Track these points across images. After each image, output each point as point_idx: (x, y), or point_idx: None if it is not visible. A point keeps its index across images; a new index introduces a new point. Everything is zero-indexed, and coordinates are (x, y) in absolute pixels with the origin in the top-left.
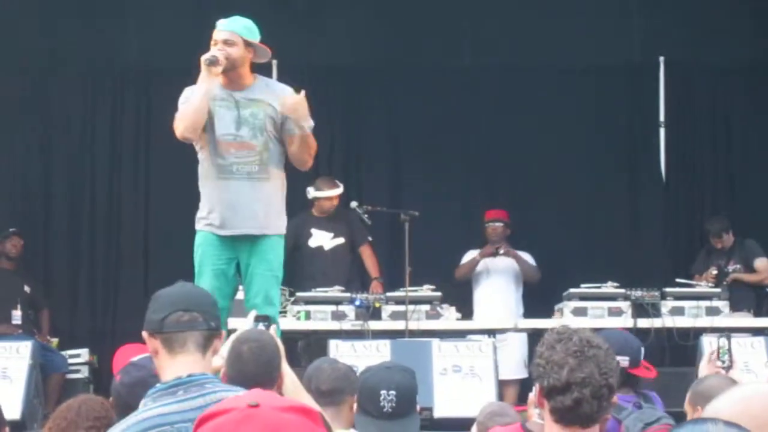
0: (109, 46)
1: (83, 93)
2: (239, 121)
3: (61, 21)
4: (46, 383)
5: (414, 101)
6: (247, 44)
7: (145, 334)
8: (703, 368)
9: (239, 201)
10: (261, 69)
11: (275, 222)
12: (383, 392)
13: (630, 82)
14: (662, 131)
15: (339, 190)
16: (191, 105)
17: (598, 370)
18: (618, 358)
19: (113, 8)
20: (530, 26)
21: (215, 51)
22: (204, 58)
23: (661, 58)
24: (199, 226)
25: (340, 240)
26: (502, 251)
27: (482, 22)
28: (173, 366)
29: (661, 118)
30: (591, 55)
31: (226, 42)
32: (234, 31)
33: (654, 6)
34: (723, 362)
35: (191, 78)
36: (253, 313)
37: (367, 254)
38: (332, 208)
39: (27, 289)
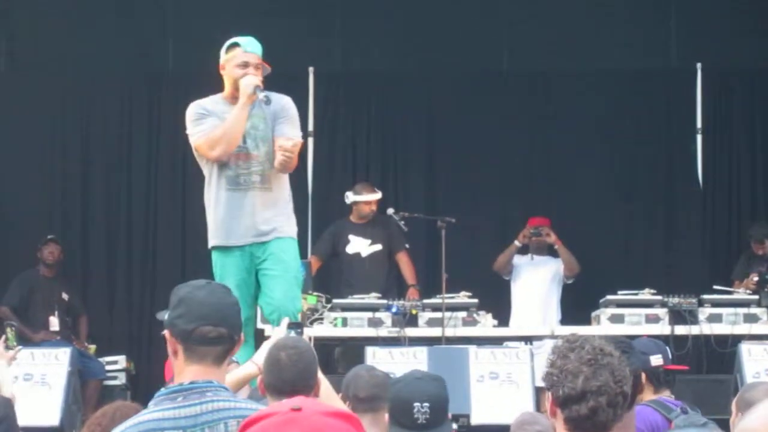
0: (147, 51)
1: (120, 98)
2: (243, 134)
3: (99, 26)
4: (84, 389)
5: (451, 107)
6: (262, 63)
7: (167, 333)
8: None
9: (248, 210)
10: (298, 77)
11: (285, 227)
12: (417, 404)
13: (667, 88)
14: (699, 138)
15: (378, 195)
16: (233, 131)
17: (613, 378)
18: (652, 358)
19: (151, 14)
20: (567, 32)
21: (255, 80)
22: (249, 84)
23: (699, 65)
24: (213, 241)
25: (378, 247)
26: (544, 234)
27: (520, 28)
28: (186, 372)
29: (699, 124)
30: (628, 61)
31: (256, 67)
32: (259, 54)
33: (691, 12)
34: None
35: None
36: (286, 321)
37: (404, 261)
38: (371, 213)
39: (65, 296)
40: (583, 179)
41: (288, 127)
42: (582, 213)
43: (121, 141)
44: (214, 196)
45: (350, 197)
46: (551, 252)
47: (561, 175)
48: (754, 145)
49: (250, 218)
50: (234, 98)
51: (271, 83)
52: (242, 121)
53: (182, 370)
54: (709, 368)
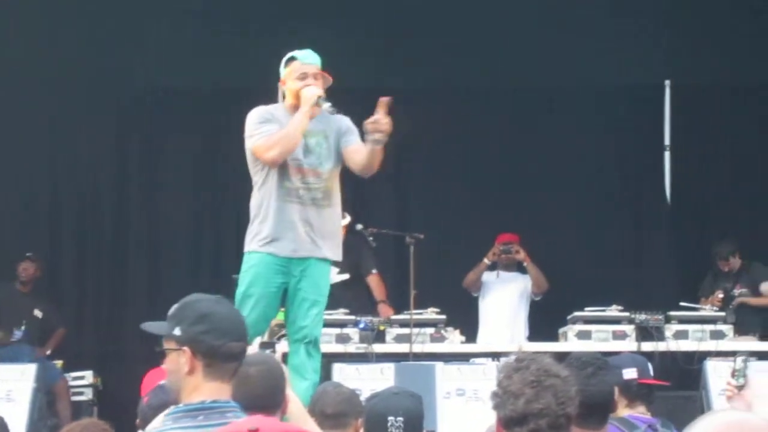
0: (116, 69)
1: (89, 116)
2: (306, 149)
3: (67, 44)
4: (54, 393)
5: (420, 123)
6: (323, 76)
7: (187, 350)
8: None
9: (303, 224)
10: (270, 92)
11: (332, 248)
12: (391, 418)
13: (636, 105)
14: (667, 155)
15: (345, 220)
16: (291, 136)
17: (555, 400)
18: (625, 371)
19: (124, 28)
20: (536, 50)
21: (318, 90)
22: (312, 94)
23: (667, 82)
24: (254, 246)
25: (345, 276)
26: (514, 251)
27: (489, 45)
28: (204, 389)
29: (667, 141)
30: (597, 79)
31: (316, 77)
32: (318, 66)
33: (659, 29)
34: (738, 382)
35: (198, 98)
36: (258, 340)
37: (374, 283)
38: None
39: (38, 313)
40: (552, 196)
41: (355, 137)
42: (551, 229)
43: (90, 157)
44: (267, 203)
45: None
46: (520, 269)
47: (530, 191)
48: (722, 162)
49: (302, 233)
50: (296, 109)
51: (253, 97)
52: (302, 127)
53: (199, 386)
54: (676, 385)
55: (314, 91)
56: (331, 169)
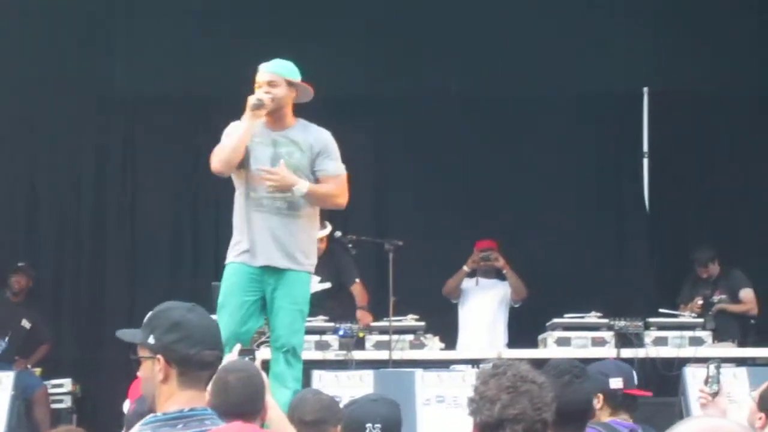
0: (95, 72)
1: (68, 121)
2: (274, 159)
3: (45, 47)
4: (33, 401)
5: (400, 130)
6: (290, 84)
7: (161, 359)
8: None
9: (268, 234)
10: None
11: (302, 259)
12: (369, 425)
13: (614, 112)
14: (646, 161)
15: (327, 230)
16: (230, 143)
17: (531, 406)
18: (611, 380)
19: (101, 36)
20: (515, 57)
21: (261, 94)
22: (250, 100)
23: (645, 89)
24: (230, 257)
25: (327, 285)
26: (493, 258)
27: (470, 53)
28: (180, 397)
29: (645, 148)
30: (575, 86)
31: (270, 83)
32: (276, 72)
33: (637, 36)
34: (711, 389)
35: (177, 106)
36: (238, 347)
37: (357, 291)
38: (319, 251)
39: (26, 323)
40: (532, 203)
41: (329, 163)
42: (530, 236)
43: (69, 164)
44: (238, 213)
45: None
46: (499, 276)
47: (509, 198)
48: (701, 169)
49: (271, 242)
50: (268, 120)
51: (231, 106)
52: (243, 135)
53: (173, 395)
54: (655, 391)
55: (255, 96)
56: (300, 178)
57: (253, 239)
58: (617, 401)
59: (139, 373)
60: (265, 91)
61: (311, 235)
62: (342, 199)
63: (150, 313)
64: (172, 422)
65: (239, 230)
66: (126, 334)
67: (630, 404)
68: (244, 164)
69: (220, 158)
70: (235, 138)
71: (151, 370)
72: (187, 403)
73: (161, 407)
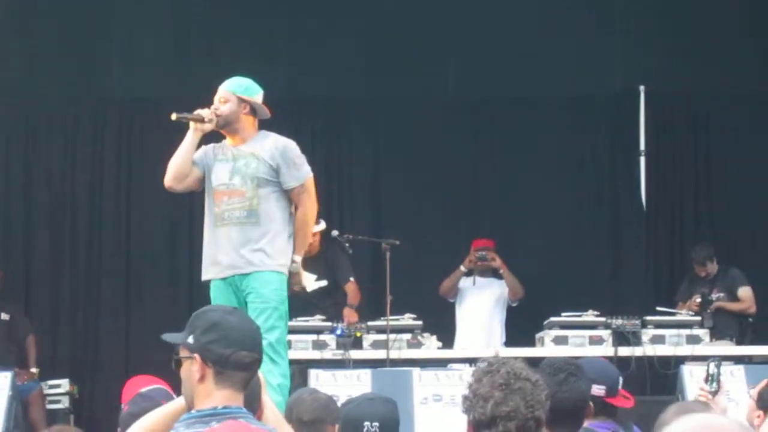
0: (92, 76)
1: (64, 124)
2: (233, 171)
3: (42, 51)
4: (30, 402)
5: (396, 131)
6: (241, 100)
7: (198, 358)
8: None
9: (229, 246)
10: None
11: (266, 260)
12: (366, 424)
13: (611, 111)
14: (643, 160)
15: (321, 226)
16: (174, 157)
17: (524, 403)
18: (594, 386)
19: (96, 39)
20: (510, 59)
21: (203, 110)
22: (191, 115)
23: (642, 87)
24: (203, 274)
25: (323, 282)
26: (489, 258)
27: (465, 55)
28: (215, 396)
29: (642, 146)
30: (571, 85)
31: (221, 100)
32: (229, 90)
33: (633, 35)
34: (711, 388)
35: (175, 108)
36: None
37: (350, 290)
38: (314, 248)
39: (5, 316)
40: (528, 202)
41: (291, 174)
42: (526, 235)
43: (65, 165)
44: (206, 230)
45: None
46: (496, 275)
47: (504, 198)
48: (697, 168)
49: (232, 252)
50: (229, 138)
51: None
52: (183, 149)
53: (210, 394)
54: (653, 389)
55: (198, 111)
56: (257, 186)
57: (218, 253)
58: (597, 407)
59: (180, 373)
60: (214, 107)
61: (278, 236)
62: (312, 211)
63: (193, 315)
64: (206, 419)
65: (207, 246)
66: (170, 337)
67: (610, 412)
68: (207, 183)
69: (167, 174)
70: (177, 153)
71: (188, 370)
72: (222, 401)
73: (198, 406)
